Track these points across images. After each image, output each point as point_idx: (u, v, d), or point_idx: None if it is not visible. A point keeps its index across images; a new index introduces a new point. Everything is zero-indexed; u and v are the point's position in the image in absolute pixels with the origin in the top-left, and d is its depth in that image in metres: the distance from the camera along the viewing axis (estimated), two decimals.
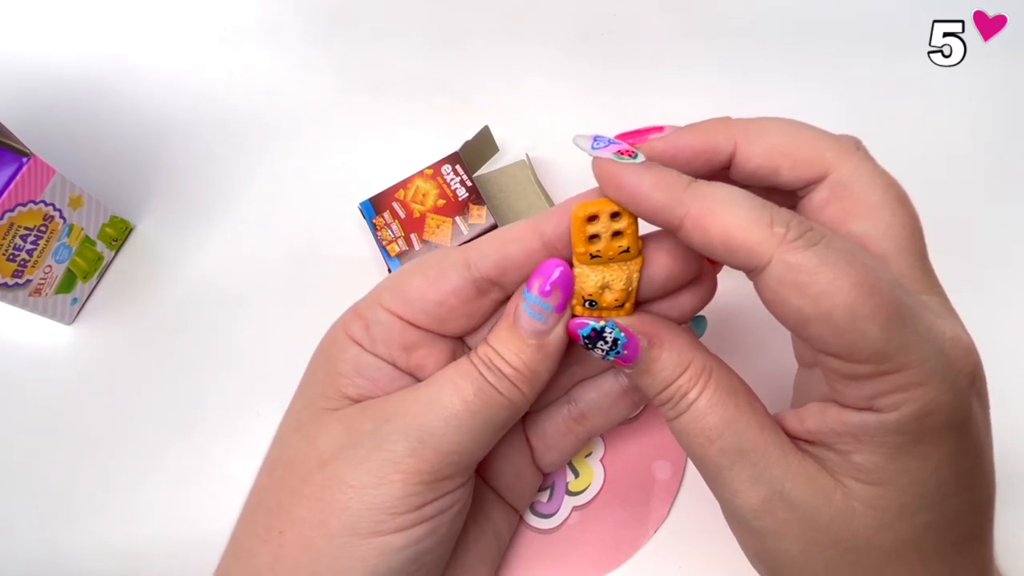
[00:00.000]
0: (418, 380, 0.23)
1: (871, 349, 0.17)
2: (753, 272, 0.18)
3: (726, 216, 0.18)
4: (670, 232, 0.19)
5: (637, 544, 0.29)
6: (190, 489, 0.31)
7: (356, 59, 0.40)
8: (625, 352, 0.21)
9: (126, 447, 0.32)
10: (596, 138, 0.20)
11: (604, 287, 0.21)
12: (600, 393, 0.26)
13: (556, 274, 0.21)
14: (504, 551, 0.28)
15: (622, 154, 0.20)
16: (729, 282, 0.26)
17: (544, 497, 0.30)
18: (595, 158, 0.20)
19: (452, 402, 0.21)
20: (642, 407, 0.29)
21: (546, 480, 0.30)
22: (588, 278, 0.21)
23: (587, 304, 0.21)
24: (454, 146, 0.34)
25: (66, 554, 0.31)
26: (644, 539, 0.29)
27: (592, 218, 0.20)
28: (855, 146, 0.20)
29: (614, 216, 0.20)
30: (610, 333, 0.21)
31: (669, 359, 0.21)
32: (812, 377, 0.22)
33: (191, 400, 0.33)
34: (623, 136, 0.22)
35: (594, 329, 0.21)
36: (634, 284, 0.21)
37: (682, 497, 0.30)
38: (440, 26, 0.40)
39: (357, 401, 0.22)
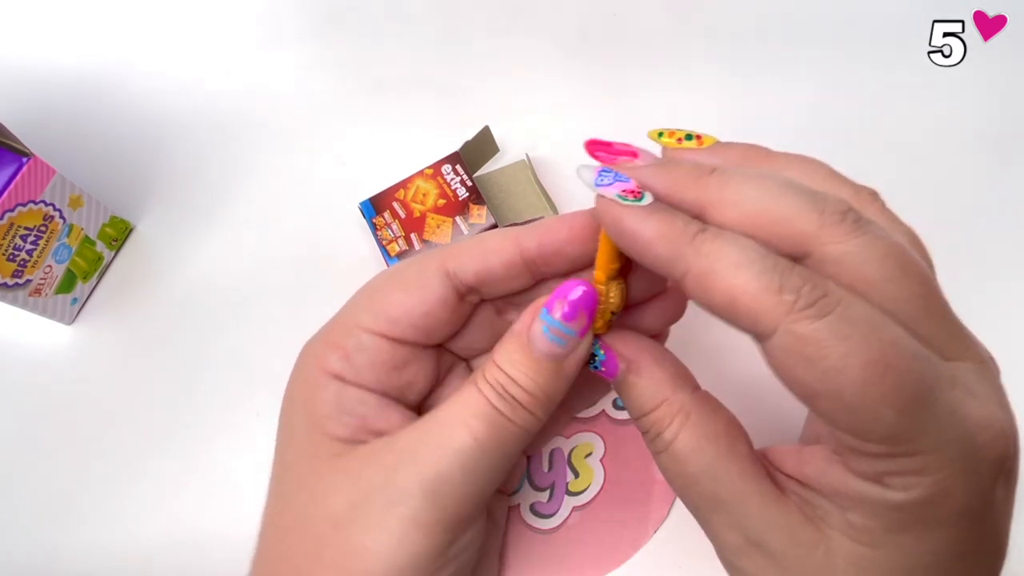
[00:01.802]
0: (408, 402, 0.22)
1: (884, 432, 0.16)
2: (759, 339, 0.17)
3: (731, 278, 0.17)
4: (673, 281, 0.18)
5: (637, 544, 0.29)
6: (190, 489, 0.31)
7: (356, 59, 0.40)
8: (603, 369, 0.21)
9: (126, 447, 0.32)
10: (601, 172, 0.19)
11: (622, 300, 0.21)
12: None
13: (580, 294, 0.19)
14: (503, 536, 0.28)
15: (627, 194, 0.18)
16: None
17: (544, 497, 0.30)
18: (598, 196, 0.18)
19: (465, 443, 0.19)
20: None
21: (546, 480, 0.30)
22: (615, 293, 0.20)
23: (612, 316, 0.21)
24: (454, 146, 0.34)
25: (66, 554, 0.31)
26: (644, 539, 0.29)
27: None
28: (840, 216, 0.18)
29: None
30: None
31: (645, 388, 0.20)
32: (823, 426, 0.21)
33: (191, 400, 0.33)
34: (594, 144, 0.20)
35: None
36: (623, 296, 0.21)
37: None
38: (440, 26, 0.40)
39: (350, 442, 0.21)
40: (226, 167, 0.37)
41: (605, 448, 0.31)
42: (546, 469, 0.30)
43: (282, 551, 0.21)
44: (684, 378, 0.21)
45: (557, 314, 0.19)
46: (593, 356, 0.21)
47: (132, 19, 0.41)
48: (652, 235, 0.17)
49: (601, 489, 0.30)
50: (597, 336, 0.21)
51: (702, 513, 0.20)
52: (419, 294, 0.21)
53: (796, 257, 0.18)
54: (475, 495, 0.20)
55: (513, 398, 0.20)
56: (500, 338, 0.22)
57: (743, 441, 0.20)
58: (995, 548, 0.18)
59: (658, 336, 0.23)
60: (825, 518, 0.18)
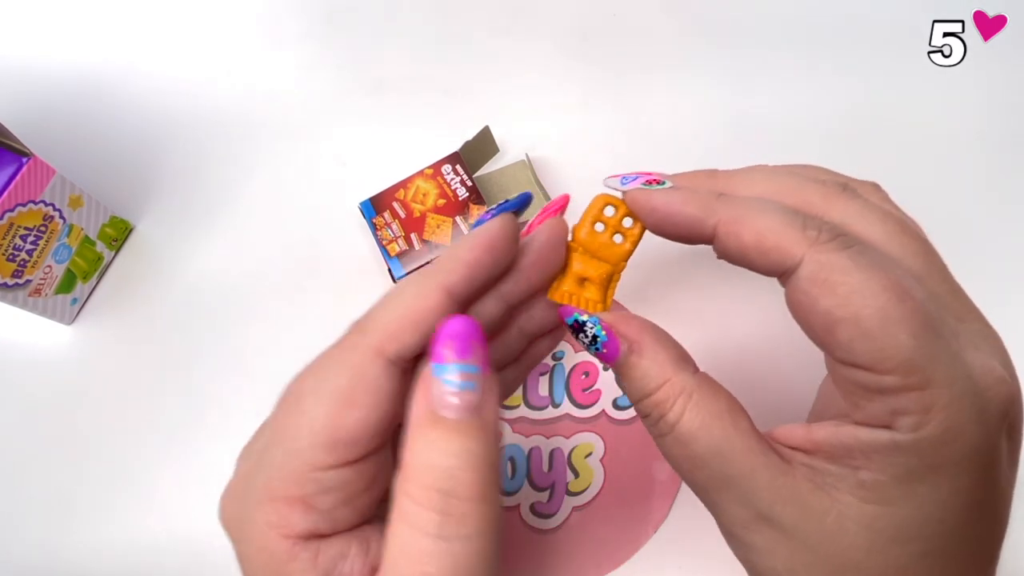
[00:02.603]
0: (377, 511, 0.19)
1: (900, 357, 0.16)
2: (785, 275, 0.18)
3: (757, 220, 0.18)
4: (703, 242, 0.19)
5: (637, 544, 0.29)
6: (189, 489, 0.31)
7: (356, 59, 0.40)
8: (604, 351, 0.21)
9: (125, 447, 0.32)
10: (624, 177, 0.21)
11: (585, 276, 0.21)
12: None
13: (464, 326, 0.17)
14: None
15: (650, 183, 0.20)
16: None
17: (544, 497, 0.30)
18: (627, 192, 0.20)
19: None
20: None
21: (546, 480, 0.30)
22: (584, 262, 0.21)
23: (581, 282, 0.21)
24: (454, 146, 0.34)
25: (66, 554, 0.31)
26: (644, 539, 0.29)
27: (611, 211, 0.21)
28: (841, 188, 0.20)
29: (626, 222, 0.21)
30: (591, 328, 0.20)
31: (648, 369, 0.20)
32: (831, 405, 0.21)
33: (191, 400, 0.33)
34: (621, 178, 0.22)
35: (576, 320, 0.21)
36: (614, 284, 0.22)
37: (682, 497, 0.30)
38: (440, 26, 0.40)
39: None
40: (226, 167, 0.37)
41: (605, 448, 0.31)
42: (546, 469, 0.30)
43: None
44: (685, 359, 0.21)
45: (453, 357, 0.17)
46: (595, 338, 0.21)
47: (132, 19, 0.41)
48: (681, 200, 0.19)
49: (601, 489, 0.30)
50: (598, 317, 0.21)
51: (709, 493, 0.20)
52: (370, 401, 0.18)
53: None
54: None
55: (450, 501, 0.16)
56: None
57: (745, 418, 0.20)
58: (1001, 508, 0.19)
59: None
60: (835, 484, 0.18)
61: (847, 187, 0.20)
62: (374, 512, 0.19)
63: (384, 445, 0.19)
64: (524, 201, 0.22)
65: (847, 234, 0.18)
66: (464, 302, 0.19)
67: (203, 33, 0.40)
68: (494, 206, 0.21)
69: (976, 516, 0.18)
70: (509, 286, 0.21)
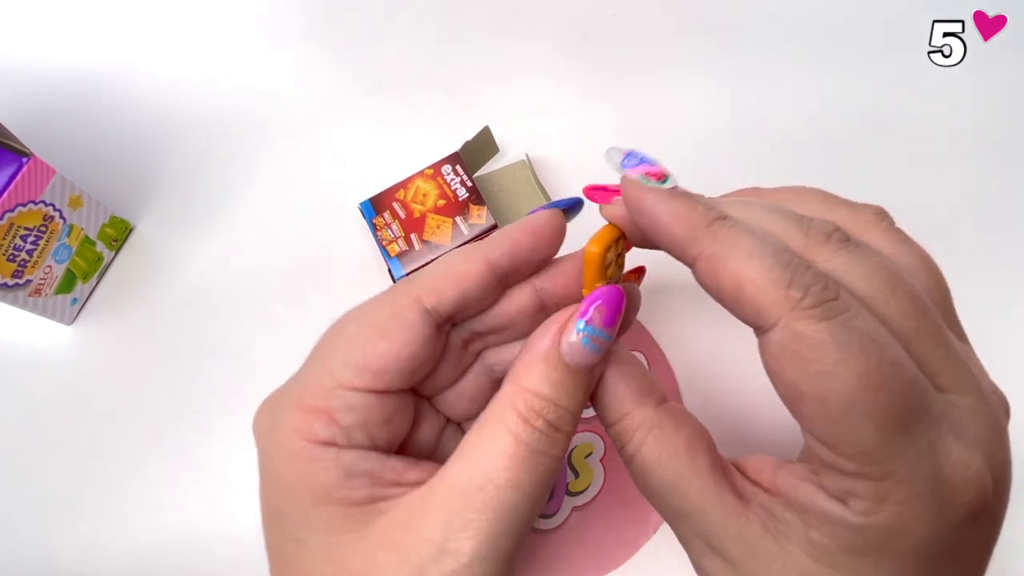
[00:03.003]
0: (394, 450, 0.21)
1: (859, 448, 0.16)
2: (758, 331, 0.17)
3: (741, 267, 0.17)
4: (686, 265, 0.19)
5: (637, 544, 0.29)
6: (189, 489, 0.31)
7: (356, 59, 0.40)
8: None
9: (126, 447, 0.32)
10: (629, 154, 0.19)
11: None
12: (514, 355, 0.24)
13: (618, 299, 0.19)
14: None
15: (650, 176, 0.19)
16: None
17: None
18: (624, 177, 0.19)
19: (514, 501, 0.18)
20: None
21: None
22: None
23: None
24: (454, 146, 0.34)
25: (66, 554, 0.31)
26: (644, 539, 0.29)
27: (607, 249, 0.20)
28: (825, 236, 0.18)
29: (617, 240, 0.20)
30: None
31: (608, 403, 0.20)
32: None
33: (191, 400, 0.33)
34: (592, 190, 0.21)
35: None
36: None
37: None
38: (440, 26, 0.40)
39: (367, 504, 0.19)
40: (226, 167, 0.37)
41: (605, 448, 0.31)
42: None
43: None
44: (648, 392, 0.20)
45: (598, 323, 0.19)
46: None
47: (132, 19, 0.41)
48: (670, 216, 0.18)
49: (601, 489, 0.30)
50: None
51: (667, 519, 0.20)
52: (402, 338, 0.19)
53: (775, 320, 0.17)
54: (523, 537, 0.19)
55: (549, 424, 0.19)
56: (467, 370, 0.22)
57: (704, 453, 0.19)
58: None
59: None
60: (787, 532, 0.18)
61: (831, 237, 0.18)
62: (383, 448, 0.20)
63: (406, 392, 0.20)
64: (576, 203, 0.22)
65: (838, 298, 0.16)
66: (502, 276, 0.21)
67: (203, 33, 0.40)
68: (548, 203, 0.22)
69: None
70: (544, 281, 0.21)
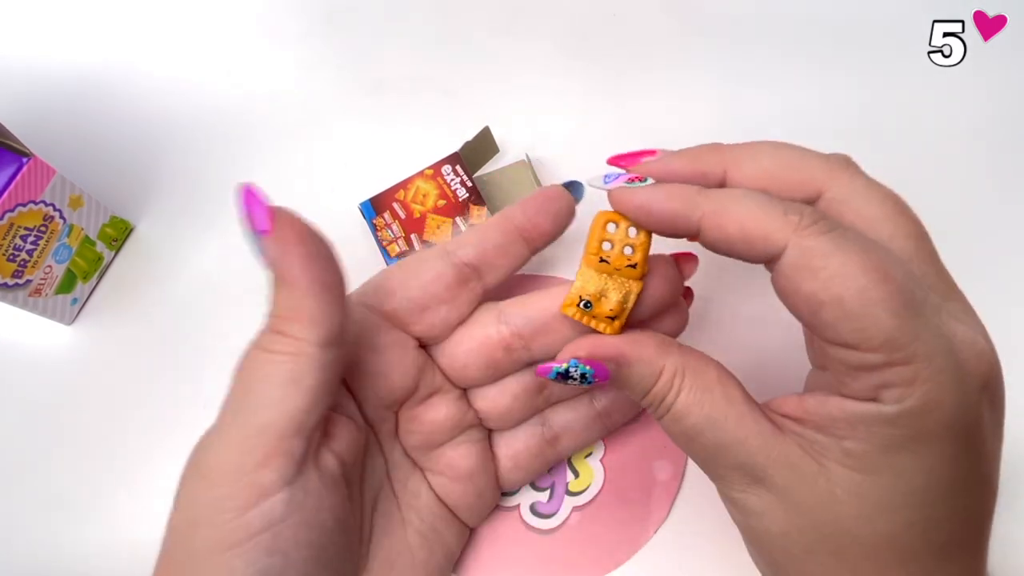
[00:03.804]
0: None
1: (882, 337, 0.17)
2: (771, 262, 0.19)
3: (740, 211, 0.19)
4: (689, 238, 0.20)
5: (637, 544, 0.29)
6: None
7: (356, 59, 0.40)
8: (597, 380, 0.22)
9: (126, 447, 0.32)
10: (606, 176, 0.22)
11: (602, 295, 0.21)
12: (575, 415, 0.27)
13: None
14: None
15: (632, 181, 0.21)
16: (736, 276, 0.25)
17: (544, 497, 0.30)
18: (610, 191, 0.21)
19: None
20: (614, 429, 0.29)
21: (546, 480, 0.30)
22: (591, 280, 0.21)
23: (582, 305, 0.21)
24: (454, 146, 0.34)
25: (66, 555, 0.31)
26: (644, 539, 0.29)
27: (613, 227, 0.21)
28: (845, 163, 0.20)
29: (631, 232, 0.21)
30: (575, 371, 0.21)
31: (640, 372, 0.21)
32: (822, 379, 0.22)
33: (191, 400, 0.33)
34: (616, 159, 0.23)
35: (559, 373, 0.22)
36: (630, 303, 0.22)
37: (682, 497, 0.30)
38: (440, 26, 0.40)
39: None
40: (226, 167, 0.37)
41: (605, 448, 0.31)
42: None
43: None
44: (666, 343, 0.22)
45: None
46: (583, 376, 0.21)
47: (132, 19, 0.41)
48: (663, 196, 0.20)
49: (601, 489, 0.30)
50: (576, 359, 0.22)
51: (709, 462, 0.21)
52: (417, 271, 0.24)
53: (807, 202, 0.20)
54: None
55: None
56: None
57: (735, 386, 0.21)
58: (986, 476, 0.19)
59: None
60: (823, 452, 0.19)
61: (850, 164, 0.21)
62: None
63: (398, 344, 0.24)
64: (575, 184, 0.26)
65: (828, 217, 0.18)
66: (529, 235, 0.25)
67: (203, 33, 0.40)
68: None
69: (962, 486, 0.18)
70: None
